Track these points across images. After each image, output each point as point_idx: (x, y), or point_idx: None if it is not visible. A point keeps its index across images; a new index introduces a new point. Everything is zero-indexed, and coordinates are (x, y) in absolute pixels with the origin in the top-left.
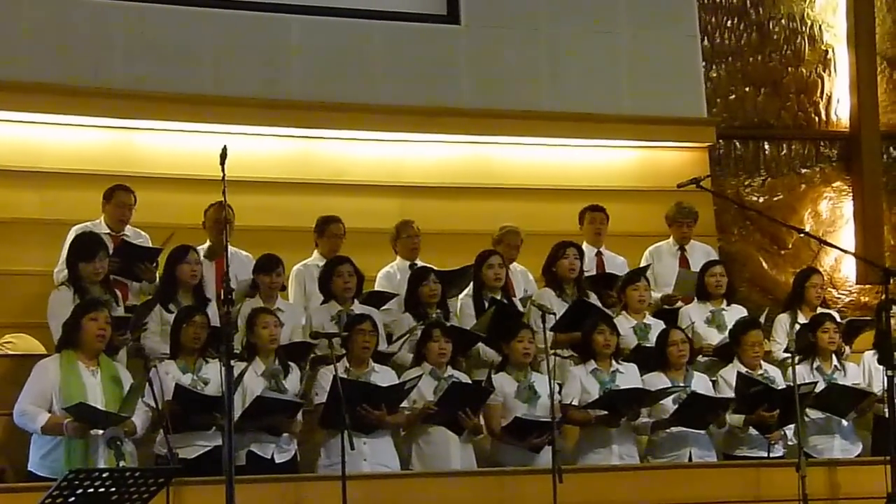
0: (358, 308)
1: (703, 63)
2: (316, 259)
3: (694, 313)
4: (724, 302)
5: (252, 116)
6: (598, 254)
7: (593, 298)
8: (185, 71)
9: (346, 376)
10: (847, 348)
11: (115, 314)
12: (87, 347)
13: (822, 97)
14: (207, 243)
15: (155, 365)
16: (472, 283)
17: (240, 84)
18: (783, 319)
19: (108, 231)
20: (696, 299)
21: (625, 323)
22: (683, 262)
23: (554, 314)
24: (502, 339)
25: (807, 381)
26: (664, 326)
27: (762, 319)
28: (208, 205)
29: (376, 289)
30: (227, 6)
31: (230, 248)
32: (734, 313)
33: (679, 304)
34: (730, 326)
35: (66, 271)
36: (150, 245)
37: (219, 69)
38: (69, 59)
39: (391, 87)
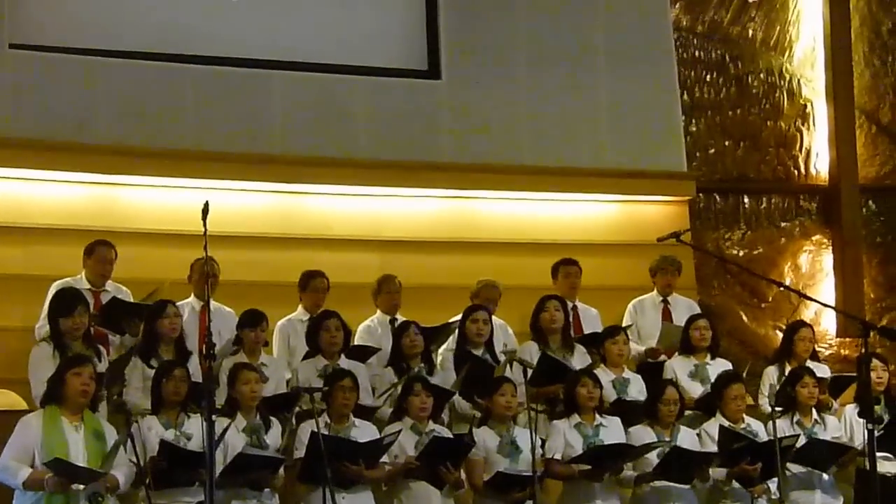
0: (345, 363)
1: (683, 117)
2: (300, 314)
3: (678, 367)
4: (709, 356)
5: (234, 171)
6: (574, 308)
7: (581, 352)
8: (167, 126)
9: (326, 431)
10: (835, 403)
11: (97, 370)
12: (70, 403)
13: (801, 151)
14: (192, 297)
15: (137, 420)
16: (454, 337)
17: (222, 139)
18: (770, 372)
19: (89, 287)
20: (678, 353)
21: (604, 376)
22: (666, 314)
23: (534, 368)
24: (484, 393)
25: (788, 434)
26: (641, 380)
27: (744, 373)
28: (194, 259)
29: (356, 342)
30: (209, 62)
31: (213, 303)
32: (718, 367)
33: (662, 357)
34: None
35: (47, 327)
36: (132, 300)
37: (201, 124)
38: (52, 114)
39: (372, 142)
